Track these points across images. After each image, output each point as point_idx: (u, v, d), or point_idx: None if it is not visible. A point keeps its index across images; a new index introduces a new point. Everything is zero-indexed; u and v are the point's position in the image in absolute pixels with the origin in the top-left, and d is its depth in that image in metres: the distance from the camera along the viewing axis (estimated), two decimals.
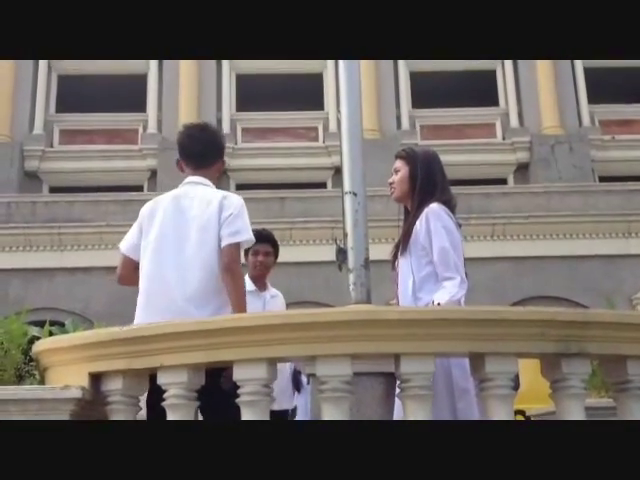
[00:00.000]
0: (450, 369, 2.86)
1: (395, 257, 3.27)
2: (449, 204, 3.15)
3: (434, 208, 3.07)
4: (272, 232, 4.56)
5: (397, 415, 2.88)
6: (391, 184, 3.31)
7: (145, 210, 3.06)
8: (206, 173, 3.05)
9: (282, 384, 4.21)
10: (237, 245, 2.87)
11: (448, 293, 2.91)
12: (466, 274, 3.15)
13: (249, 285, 4.21)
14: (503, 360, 2.29)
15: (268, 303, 4.35)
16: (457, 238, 3.07)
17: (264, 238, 4.40)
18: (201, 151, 3.06)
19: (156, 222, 2.94)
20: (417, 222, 3.10)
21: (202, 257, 2.83)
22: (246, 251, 4.38)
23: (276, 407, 4.18)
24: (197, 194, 2.95)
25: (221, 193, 2.97)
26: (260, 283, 4.39)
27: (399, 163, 3.29)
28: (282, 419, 4.13)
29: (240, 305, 2.79)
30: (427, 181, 3.17)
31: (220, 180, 3.26)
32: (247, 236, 2.89)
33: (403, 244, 3.18)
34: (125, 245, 3.05)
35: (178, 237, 2.87)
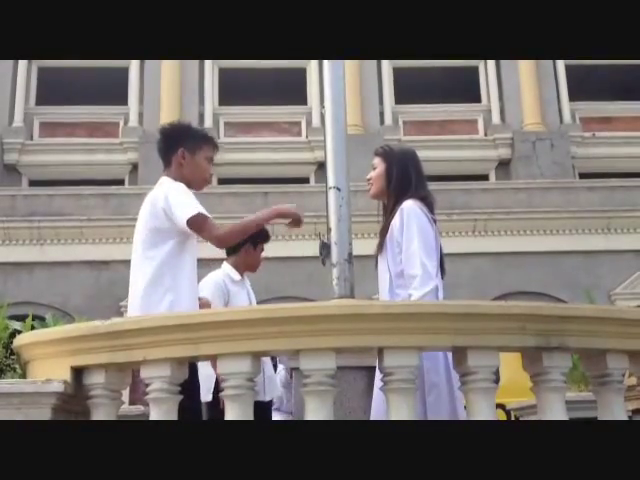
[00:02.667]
0: (422, 363, 2.88)
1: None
2: (426, 201, 3.18)
3: (409, 204, 3.10)
4: None
5: (376, 408, 2.90)
6: (368, 180, 3.35)
7: None
8: (170, 171, 3.06)
9: (270, 374, 4.22)
10: (192, 220, 2.83)
11: (418, 291, 2.93)
12: (443, 270, 3.17)
13: (236, 275, 4.23)
14: (485, 354, 2.31)
15: (249, 292, 4.40)
16: (430, 235, 3.08)
17: (269, 238, 4.46)
18: (161, 151, 3.12)
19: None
20: (393, 219, 3.14)
21: (139, 262, 2.92)
22: (254, 244, 4.37)
23: (267, 397, 4.21)
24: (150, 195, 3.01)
25: (161, 188, 2.98)
26: (242, 273, 4.44)
27: (376, 160, 3.34)
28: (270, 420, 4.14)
29: (258, 221, 2.98)
30: (402, 178, 3.21)
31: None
32: (197, 211, 2.86)
33: (380, 240, 3.22)
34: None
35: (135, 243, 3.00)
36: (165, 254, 2.86)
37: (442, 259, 3.20)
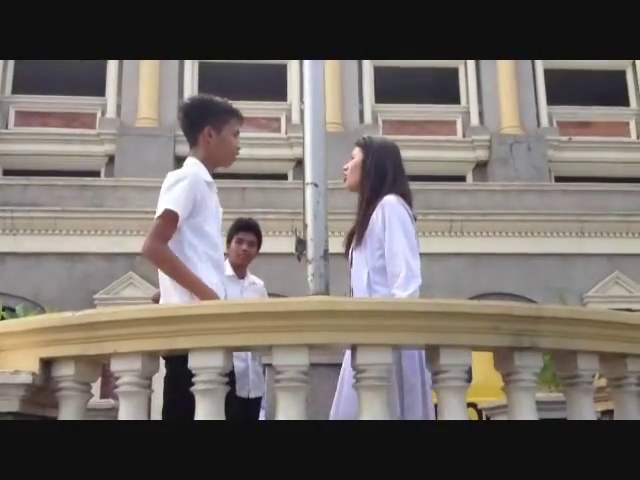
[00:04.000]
0: (402, 363, 2.87)
1: (348, 248, 3.23)
2: (406, 197, 3.12)
3: (390, 200, 3.04)
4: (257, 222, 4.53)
5: (345, 405, 2.88)
6: (345, 170, 3.28)
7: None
8: (197, 151, 2.90)
9: (258, 370, 4.20)
10: (157, 220, 2.66)
11: (403, 290, 2.90)
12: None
13: (228, 270, 4.19)
14: (457, 353, 2.32)
15: (246, 290, 4.35)
16: (412, 233, 3.03)
17: (250, 228, 4.40)
18: (185, 131, 2.95)
19: None
20: (373, 213, 3.06)
21: None
22: (230, 238, 4.35)
23: (252, 395, 4.18)
24: None
25: (172, 172, 2.83)
26: (240, 271, 4.39)
27: (356, 150, 3.27)
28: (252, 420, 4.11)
29: (190, 285, 2.62)
30: (376, 171, 3.13)
31: None
32: (165, 205, 2.65)
33: (358, 235, 3.12)
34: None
35: None
36: (177, 251, 2.70)
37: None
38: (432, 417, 2.87)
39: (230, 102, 3.04)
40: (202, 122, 2.88)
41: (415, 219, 3.12)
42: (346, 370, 2.93)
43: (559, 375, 2.62)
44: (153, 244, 2.65)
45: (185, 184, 2.71)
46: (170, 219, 2.66)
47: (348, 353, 2.85)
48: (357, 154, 3.25)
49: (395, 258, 2.96)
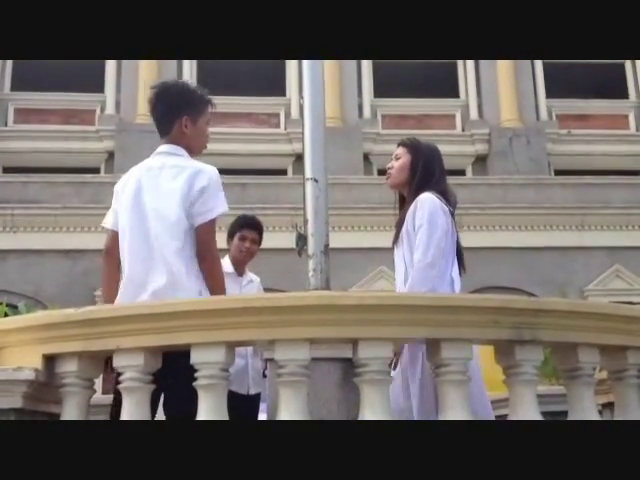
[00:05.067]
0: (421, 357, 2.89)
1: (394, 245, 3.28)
2: (445, 195, 3.17)
3: (424, 196, 3.10)
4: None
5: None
6: (389, 169, 3.32)
7: (118, 186, 2.88)
8: (172, 139, 2.84)
9: (257, 367, 4.20)
10: (212, 222, 2.70)
11: (418, 282, 2.93)
12: (462, 265, 3.17)
13: (228, 267, 4.19)
14: (458, 346, 2.33)
15: (244, 287, 4.34)
16: (442, 225, 3.03)
17: (253, 225, 4.38)
18: (157, 117, 2.88)
19: (127, 199, 2.79)
20: (409, 211, 3.13)
21: (171, 240, 2.67)
22: (231, 234, 4.34)
23: (252, 391, 4.19)
24: (166, 166, 2.77)
25: (194, 166, 2.78)
26: (240, 268, 4.38)
27: (401, 150, 3.31)
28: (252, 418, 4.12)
29: (219, 291, 2.68)
30: (426, 173, 3.20)
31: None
32: (222, 209, 2.71)
33: (396, 233, 3.21)
34: (110, 221, 2.86)
35: (146, 216, 2.71)
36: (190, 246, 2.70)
37: (461, 254, 3.19)
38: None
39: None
40: (179, 111, 2.83)
41: (453, 215, 3.15)
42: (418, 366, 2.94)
43: (560, 368, 2.63)
44: (212, 247, 2.71)
45: (221, 183, 2.78)
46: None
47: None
48: (403, 154, 3.29)
49: (419, 247, 3.00)
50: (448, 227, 3.07)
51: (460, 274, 3.19)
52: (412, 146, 3.30)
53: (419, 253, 2.99)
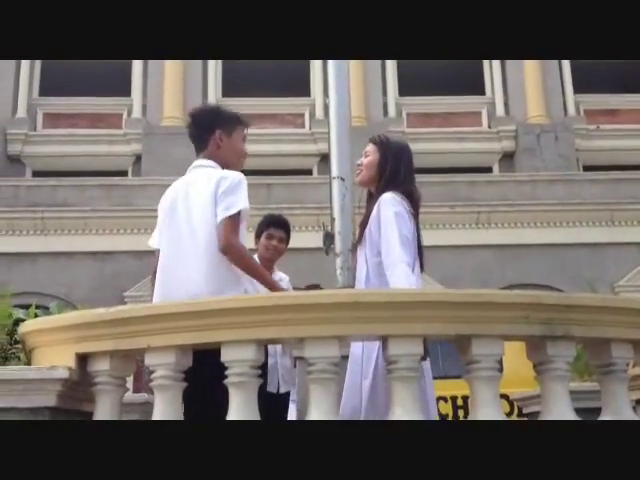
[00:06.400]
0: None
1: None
2: (411, 196, 3.11)
3: (386, 197, 3.03)
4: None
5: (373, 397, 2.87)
6: (359, 166, 3.27)
7: (163, 201, 3.06)
8: (207, 154, 3.05)
9: (286, 365, 4.21)
10: (231, 218, 2.81)
11: (404, 279, 2.84)
12: (422, 264, 3.10)
13: None
14: (489, 342, 2.31)
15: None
16: (408, 227, 3.00)
17: (280, 224, 4.40)
18: (194, 135, 3.09)
19: (164, 211, 2.99)
20: (372, 214, 3.07)
21: (206, 242, 2.82)
22: (259, 234, 4.37)
23: (282, 390, 4.20)
24: (198, 177, 2.95)
25: (220, 172, 2.95)
26: (268, 267, 4.38)
27: (371, 147, 3.25)
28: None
29: (261, 278, 2.88)
30: (394, 171, 3.14)
31: None
32: (241, 206, 2.83)
33: (360, 233, 3.15)
34: (155, 242, 3.04)
35: (187, 224, 2.89)
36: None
37: (421, 253, 3.11)
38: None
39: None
40: (213, 126, 3.03)
41: (416, 216, 3.09)
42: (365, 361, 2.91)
43: (593, 364, 2.60)
44: (233, 241, 2.80)
45: (245, 185, 2.90)
46: (242, 217, 2.85)
47: (356, 345, 2.88)
48: (372, 152, 3.22)
49: (385, 249, 2.94)
50: (411, 225, 3.02)
51: (421, 272, 3.12)
52: (382, 144, 3.23)
53: (387, 253, 2.92)
